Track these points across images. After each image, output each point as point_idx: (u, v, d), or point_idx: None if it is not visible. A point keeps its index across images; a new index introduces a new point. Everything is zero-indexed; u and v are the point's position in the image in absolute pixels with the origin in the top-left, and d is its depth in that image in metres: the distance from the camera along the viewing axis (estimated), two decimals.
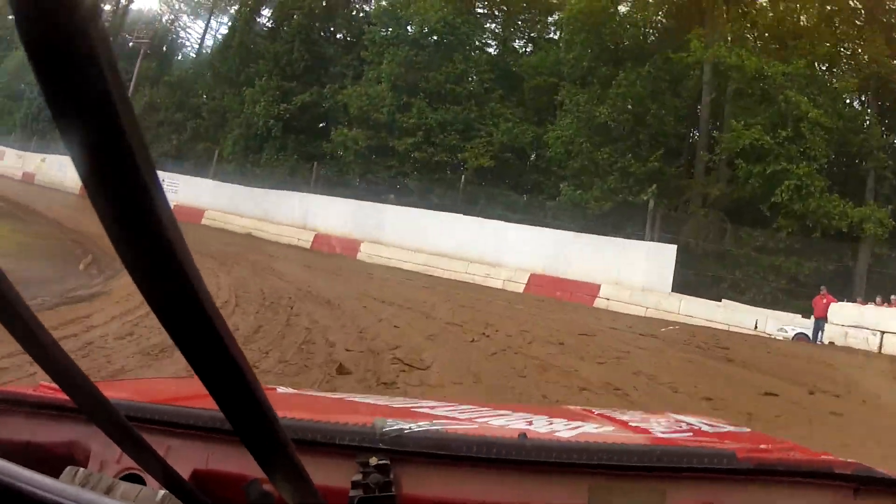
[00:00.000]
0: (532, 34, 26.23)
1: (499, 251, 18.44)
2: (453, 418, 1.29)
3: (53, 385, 0.59)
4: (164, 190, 0.34)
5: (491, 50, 25.63)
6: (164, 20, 36.47)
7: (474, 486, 0.93)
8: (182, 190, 24.87)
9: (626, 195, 19.29)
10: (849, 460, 0.96)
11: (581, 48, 21.69)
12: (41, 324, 0.49)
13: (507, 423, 1.33)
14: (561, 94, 21.57)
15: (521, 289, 17.36)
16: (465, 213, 19.51)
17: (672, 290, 17.17)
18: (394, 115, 22.38)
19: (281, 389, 1.77)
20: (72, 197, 25.57)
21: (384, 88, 22.89)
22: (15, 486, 0.57)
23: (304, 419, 1.00)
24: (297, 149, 24.81)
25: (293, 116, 24.98)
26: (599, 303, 16.88)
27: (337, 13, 27.75)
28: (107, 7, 37.99)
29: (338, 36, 28.28)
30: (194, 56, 36.29)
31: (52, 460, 0.93)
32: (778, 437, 1.51)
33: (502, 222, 19.14)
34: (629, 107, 20.24)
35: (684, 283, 17.39)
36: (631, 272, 17.53)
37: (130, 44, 34.57)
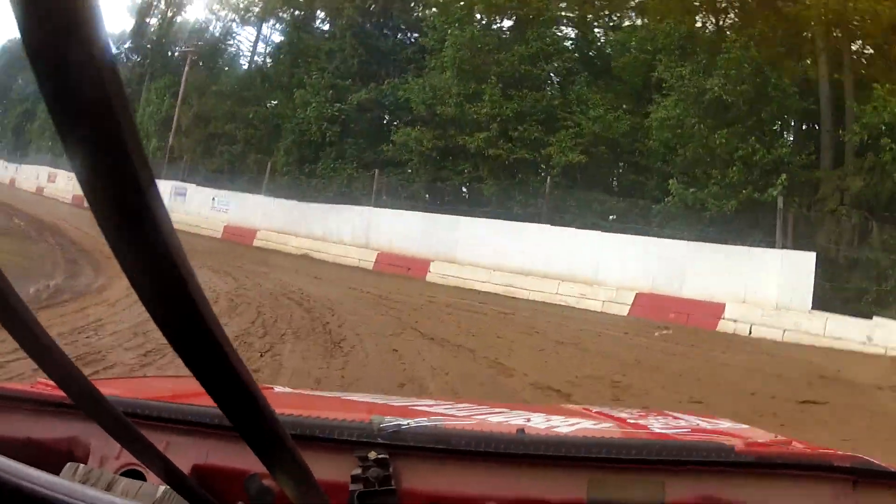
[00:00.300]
0: (615, 15, 23.68)
1: (596, 267, 16.07)
2: (451, 415, 1.40)
3: (51, 382, 0.61)
4: (162, 192, 0.37)
5: (569, 30, 23.42)
6: (211, 28, 36.26)
7: (473, 479, 0.99)
8: (233, 208, 24.06)
9: (749, 192, 16.49)
10: (847, 453, 1.02)
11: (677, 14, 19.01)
12: (39, 322, 0.52)
13: (505, 419, 1.45)
14: (659, 69, 18.55)
15: (624, 311, 15.01)
16: (552, 223, 17.24)
17: (812, 308, 14.55)
18: (462, 106, 20.22)
19: (278, 389, 2.00)
20: None
21: (449, 77, 20.84)
22: (15, 482, 0.58)
23: (303, 415, 1.08)
24: (356, 155, 23.26)
25: (350, 118, 23.42)
26: (724, 325, 14.38)
27: (392, 3, 26.29)
28: (153, 20, 38.42)
29: (395, 26, 26.81)
30: (245, 64, 35.93)
31: (51, 457, 0.99)
32: (777, 434, 1.59)
33: (598, 232, 16.75)
34: (745, 76, 16.98)
35: (823, 298, 14.71)
36: (761, 287, 14.91)
37: (176, 53, 34.53)
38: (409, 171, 22.16)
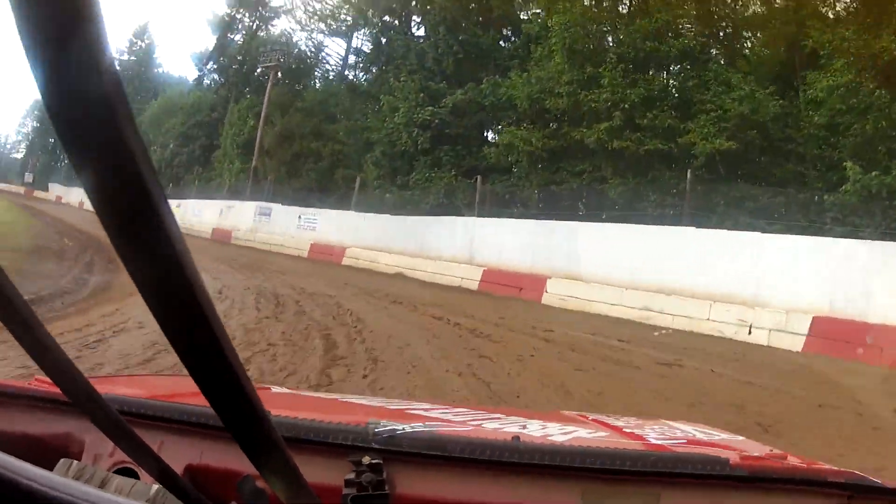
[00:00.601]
0: None
1: (756, 281, 13.15)
2: (447, 420, 1.46)
3: (48, 378, 0.64)
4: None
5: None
6: (296, 41, 36.32)
7: (467, 486, 1.03)
8: (320, 226, 23.22)
9: None
10: (842, 469, 1.07)
11: None
12: (37, 318, 0.54)
13: (501, 426, 1.49)
14: (813, 35, 15.90)
15: (798, 344, 11.53)
16: (696, 225, 14.62)
17: None
18: (576, 95, 18.15)
19: (276, 389, 2.08)
20: (204, 243, 24.93)
21: (559, 62, 18.83)
22: (8, 476, 0.58)
23: (298, 418, 1.10)
24: (453, 163, 21.77)
25: (444, 122, 22.03)
26: None
27: None
28: (237, 37, 38.97)
29: (494, 20, 25.36)
30: (331, 78, 35.70)
31: (46, 453, 1.00)
32: (772, 446, 1.54)
33: (757, 234, 13.86)
34: None
35: None
36: None
37: (258, 70, 34.63)
38: (517, 175, 20.36)
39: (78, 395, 0.62)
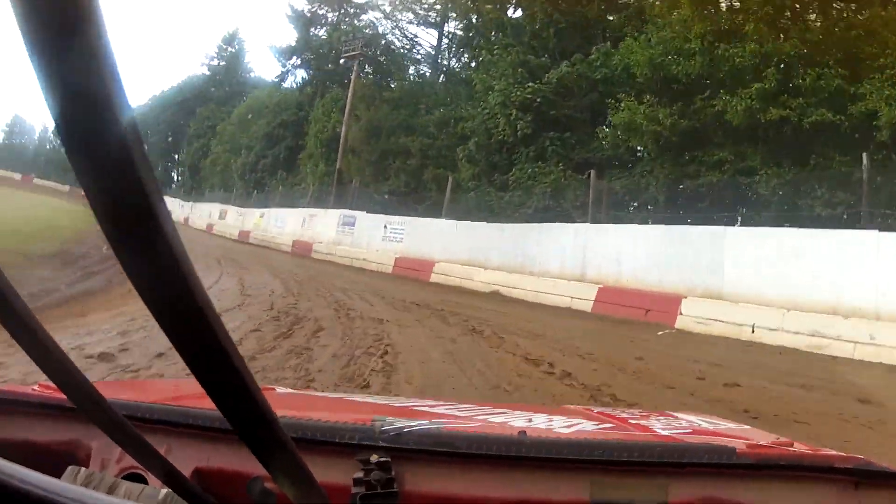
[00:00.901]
0: None
1: None
2: (453, 416, 1.55)
3: (52, 384, 0.65)
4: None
5: None
6: (381, 30, 35.09)
7: (475, 482, 1.08)
8: (407, 237, 21.48)
9: None
10: (849, 454, 1.12)
11: None
12: (39, 323, 0.56)
13: (506, 420, 1.58)
14: None
15: None
16: (882, 227, 11.53)
17: None
18: (712, 52, 15.32)
19: (280, 389, 2.12)
20: (285, 258, 23.83)
21: (685, 13, 15.96)
22: (16, 486, 0.60)
23: (304, 418, 1.15)
24: (561, 154, 19.37)
25: (549, 103, 19.64)
26: None
27: None
28: (321, 31, 38.17)
29: None
30: (420, 69, 34.18)
31: (52, 459, 1.02)
32: (779, 434, 1.55)
33: None
34: None
35: None
36: None
37: (342, 61, 33.47)
38: (641, 168, 17.75)
39: (83, 401, 0.63)
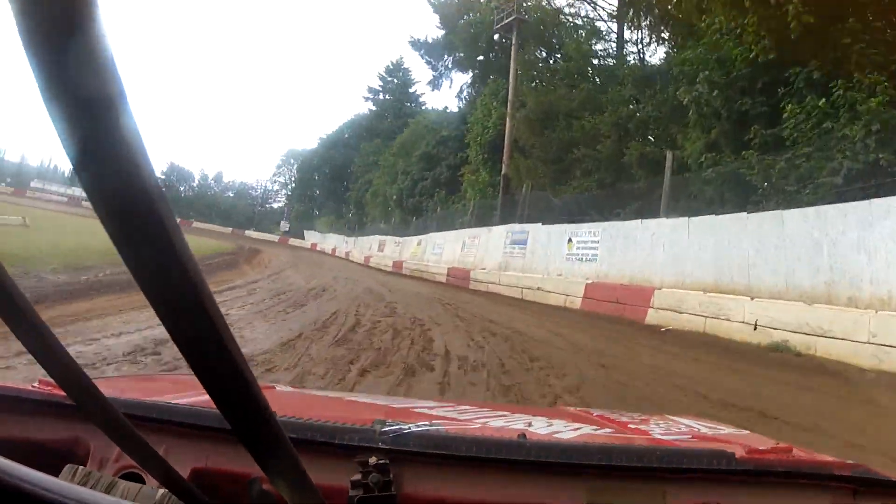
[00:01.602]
0: None
1: None
2: (453, 419, 1.52)
3: (52, 381, 0.65)
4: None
5: None
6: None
7: (474, 485, 1.05)
8: (607, 251, 14.60)
9: None
10: (847, 461, 1.09)
11: None
12: (42, 320, 0.55)
13: (506, 423, 1.55)
14: None
15: None
16: None
17: None
18: None
19: (280, 388, 2.11)
20: (433, 291, 17.61)
21: None
22: (14, 483, 0.60)
23: (304, 418, 1.13)
24: (875, 62, 11.37)
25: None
26: None
27: None
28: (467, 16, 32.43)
29: None
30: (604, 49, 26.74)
31: (51, 458, 1.00)
32: (778, 440, 1.53)
33: None
34: None
35: None
36: None
37: (495, 36, 26.92)
38: None
39: (82, 398, 0.63)
